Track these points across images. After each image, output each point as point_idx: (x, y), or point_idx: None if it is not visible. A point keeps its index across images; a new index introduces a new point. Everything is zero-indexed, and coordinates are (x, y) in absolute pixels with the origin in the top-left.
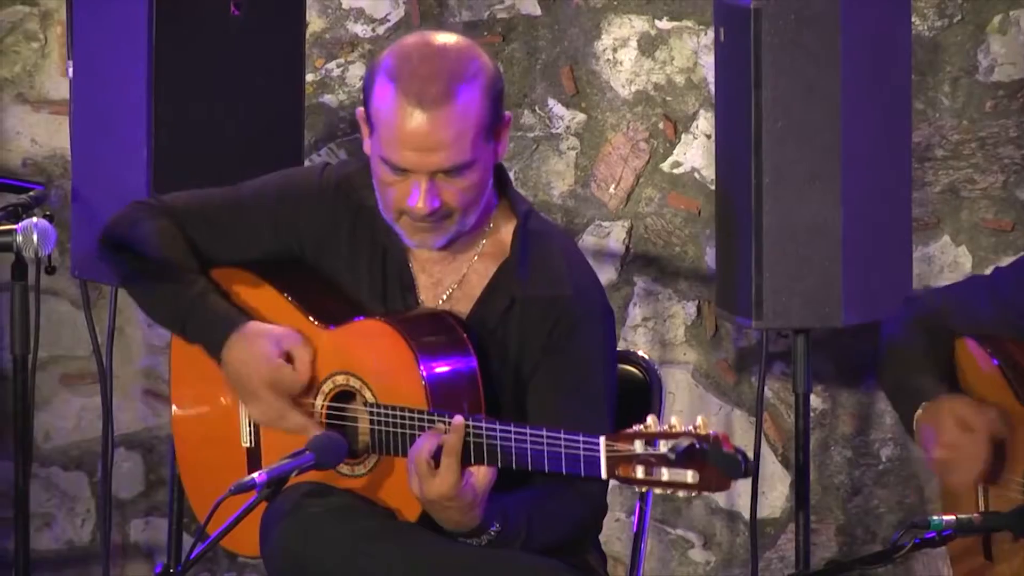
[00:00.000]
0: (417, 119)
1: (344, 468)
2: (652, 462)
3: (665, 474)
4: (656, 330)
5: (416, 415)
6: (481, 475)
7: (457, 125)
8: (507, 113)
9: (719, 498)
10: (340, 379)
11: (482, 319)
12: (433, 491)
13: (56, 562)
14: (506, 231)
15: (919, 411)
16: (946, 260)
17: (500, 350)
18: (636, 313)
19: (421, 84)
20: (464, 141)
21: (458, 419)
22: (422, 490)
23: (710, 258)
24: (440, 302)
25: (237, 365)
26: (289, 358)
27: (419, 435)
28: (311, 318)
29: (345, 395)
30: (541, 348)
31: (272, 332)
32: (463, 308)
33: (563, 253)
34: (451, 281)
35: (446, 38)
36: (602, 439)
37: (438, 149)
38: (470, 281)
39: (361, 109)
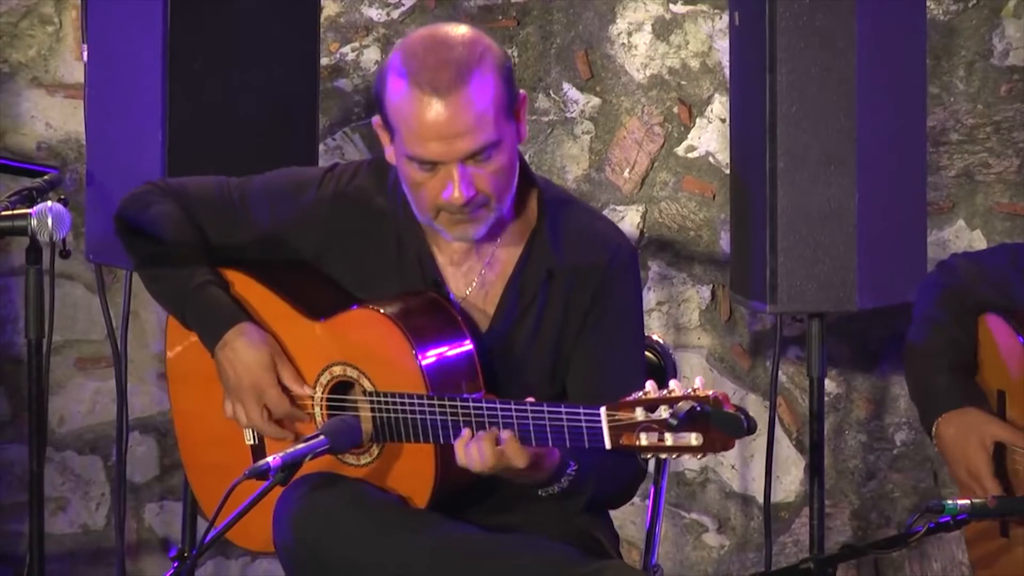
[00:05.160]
0: (436, 108)
1: (349, 458)
2: (655, 428)
3: (669, 439)
4: (670, 314)
5: (417, 400)
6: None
7: (476, 106)
8: (522, 92)
9: (733, 482)
10: (337, 369)
11: (519, 292)
12: (512, 472)
13: (71, 546)
14: (529, 206)
15: (940, 421)
16: (961, 244)
17: (536, 319)
18: (651, 297)
19: (432, 73)
20: (486, 121)
21: (506, 433)
22: (508, 474)
23: (724, 242)
24: (470, 290)
25: (227, 364)
26: (279, 376)
27: (420, 419)
28: (303, 311)
29: (343, 385)
30: (585, 310)
31: (268, 343)
32: (497, 286)
33: (589, 216)
34: (480, 266)
35: (448, 27)
36: (603, 409)
37: (463, 134)
38: (500, 258)
39: (376, 118)
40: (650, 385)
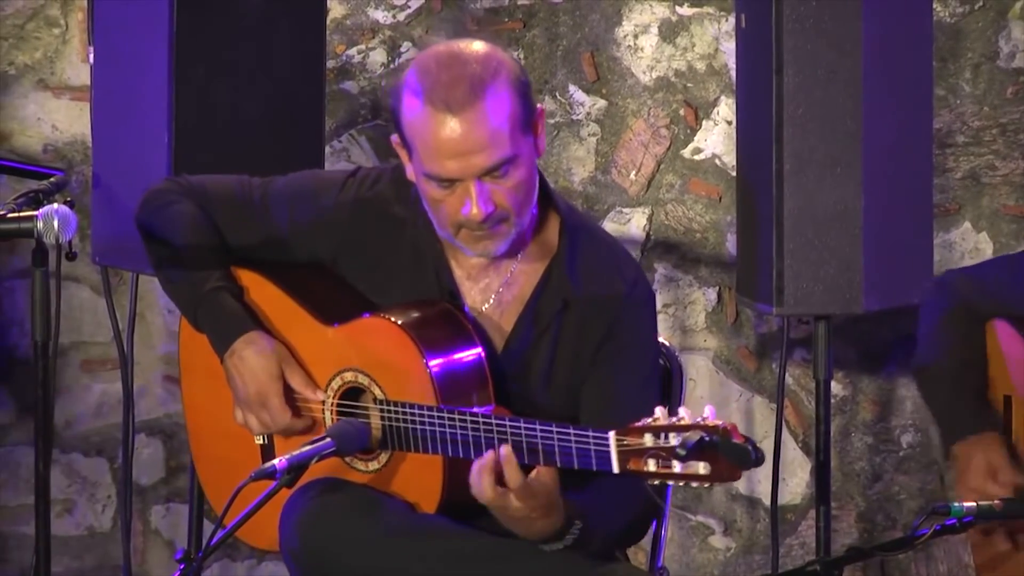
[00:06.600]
0: (450, 125)
1: (358, 464)
2: (663, 455)
3: (677, 467)
4: (677, 316)
5: (427, 412)
6: (544, 474)
7: (491, 122)
8: (539, 106)
9: (740, 485)
10: (349, 376)
11: (534, 318)
12: (515, 513)
13: (77, 548)
14: (549, 229)
15: (957, 445)
16: (967, 246)
17: (551, 347)
18: (657, 300)
19: (446, 90)
20: (501, 136)
21: (505, 449)
22: (505, 517)
23: (731, 244)
24: (486, 307)
25: (235, 373)
26: (287, 386)
27: (430, 430)
28: (316, 315)
29: (354, 391)
30: (598, 343)
31: (276, 351)
32: (513, 309)
33: (608, 248)
34: (497, 284)
35: (462, 43)
36: (612, 434)
37: (478, 150)
38: (518, 282)
39: (395, 136)
40: (660, 411)
